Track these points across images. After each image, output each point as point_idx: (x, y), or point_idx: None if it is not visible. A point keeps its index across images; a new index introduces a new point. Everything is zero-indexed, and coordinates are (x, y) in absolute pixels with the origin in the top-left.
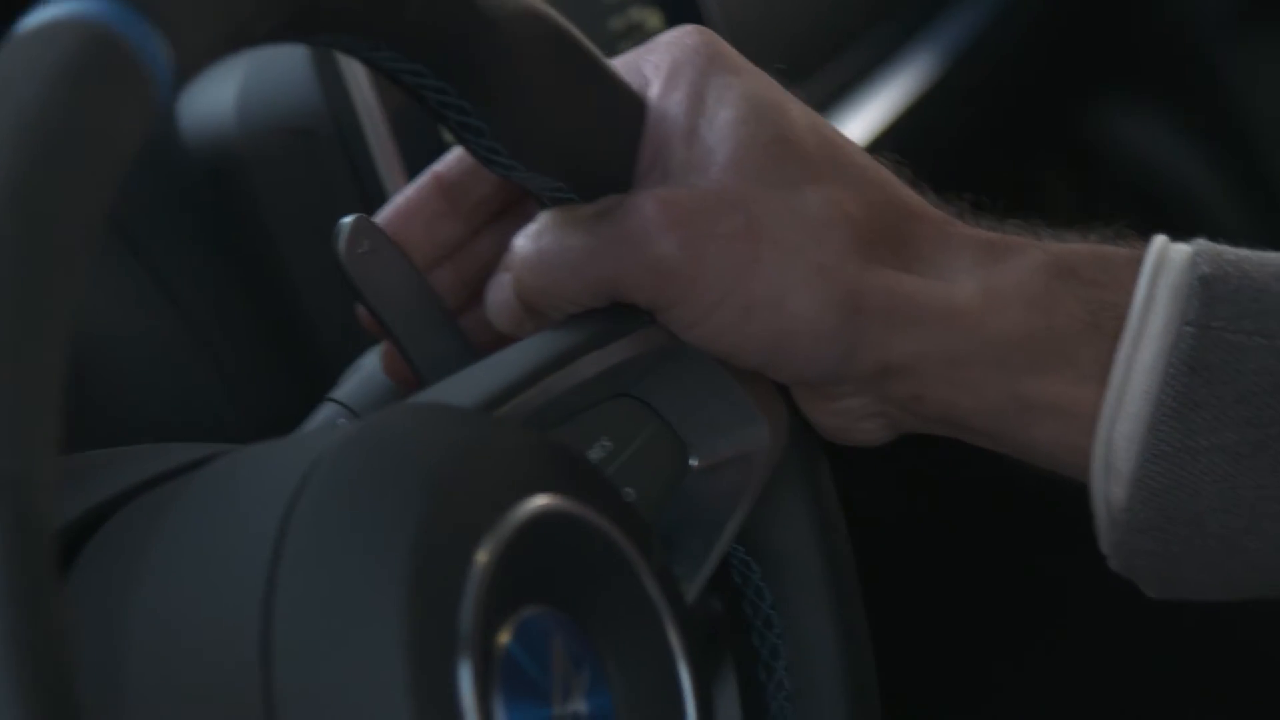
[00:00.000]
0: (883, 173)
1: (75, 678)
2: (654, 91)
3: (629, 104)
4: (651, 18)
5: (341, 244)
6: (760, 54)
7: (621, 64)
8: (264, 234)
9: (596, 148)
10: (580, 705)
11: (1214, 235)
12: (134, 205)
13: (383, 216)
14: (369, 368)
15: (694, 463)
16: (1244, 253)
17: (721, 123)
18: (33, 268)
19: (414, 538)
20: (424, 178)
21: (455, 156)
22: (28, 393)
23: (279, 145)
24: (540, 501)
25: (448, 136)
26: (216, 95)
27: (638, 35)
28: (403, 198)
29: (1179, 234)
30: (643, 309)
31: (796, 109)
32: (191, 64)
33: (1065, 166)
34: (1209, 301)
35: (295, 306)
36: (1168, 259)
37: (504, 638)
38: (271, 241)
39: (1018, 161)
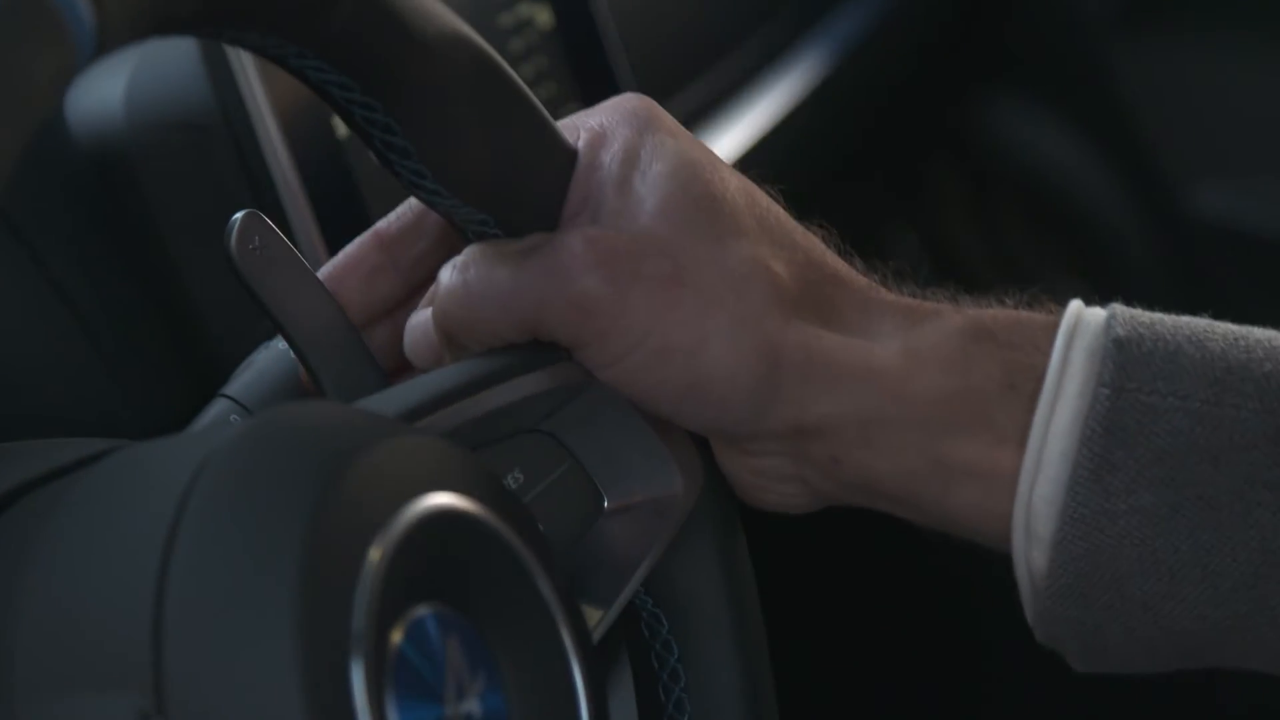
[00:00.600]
0: (809, 238)
1: None
2: (589, 142)
3: (558, 146)
4: (540, 13)
5: (232, 240)
6: (647, 55)
7: (560, 124)
8: (154, 229)
9: (523, 183)
10: (474, 705)
11: (1100, 230)
12: (21, 199)
13: (323, 271)
14: (261, 363)
15: (607, 504)
16: (1158, 316)
17: (654, 175)
18: None
19: (306, 535)
20: (364, 235)
21: (396, 214)
22: None
23: (168, 140)
24: (435, 500)
25: (339, 132)
26: (104, 89)
27: (528, 31)
28: (342, 253)
29: (1067, 231)
30: (561, 346)
31: (729, 172)
32: (113, 35)
33: (956, 162)
34: (1124, 364)
35: (187, 302)
36: (1083, 322)
37: (397, 636)
38: (162, 237)
39: (909, 158)
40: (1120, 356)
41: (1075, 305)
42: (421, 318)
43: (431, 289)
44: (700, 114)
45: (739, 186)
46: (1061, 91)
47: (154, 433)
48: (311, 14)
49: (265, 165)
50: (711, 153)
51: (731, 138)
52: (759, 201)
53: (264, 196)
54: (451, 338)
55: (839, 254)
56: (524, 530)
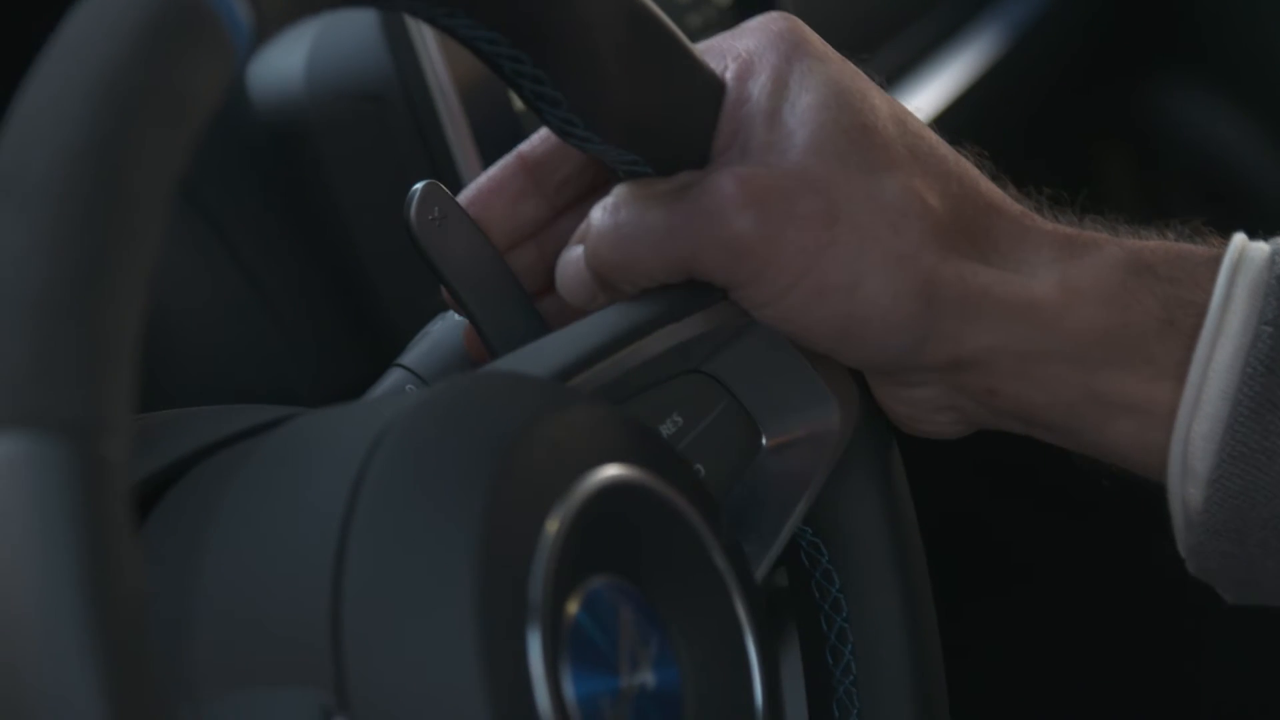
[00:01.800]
0: (964, 164)
1: (147, 634)
2: (736, 73)
3: (706, 82)
4: None
5: (412, 211)
6: (824, 29)
7: (706, 48)
8: (332, 200)
9: (672, 122)
10: (647, 676)
11: (1271, 219)
12: (203, 171)
13: (466, 194)
14: (437, 334)
15: (764, 441)
16: None
17: (804, 106)
18: (114, 223)
19: (484, 506)
20: (508, 157)
21: (540, 136)
22: (102, 342)
23: (348, 112)
24: (610, 472)
25: (518, 104)
26: (286, 61)
27: (705, 8)
28: (486, 176)
29: (1237, 217)
30: (716, 286)
31: (880, 98)
32: (269, 24)
33: (1126, 146)
34: None
35: (363, 272)
36: (1246, 257)
37: (573, 607)
38: (340, 208)
39: (1079, 140)
40: None
41: (1239, 239)
42: (574, 255)
43: (582, 227)
44: None
45: (890, 113)
46: (1236, 77)
47: (330, 401)
48: None
49: (443, 137)
50: (861, 76)
51: None
52: (910, 128)
53: (442, 168)
54: (605, 279)
55: (992, 179)
56: (698, 502)
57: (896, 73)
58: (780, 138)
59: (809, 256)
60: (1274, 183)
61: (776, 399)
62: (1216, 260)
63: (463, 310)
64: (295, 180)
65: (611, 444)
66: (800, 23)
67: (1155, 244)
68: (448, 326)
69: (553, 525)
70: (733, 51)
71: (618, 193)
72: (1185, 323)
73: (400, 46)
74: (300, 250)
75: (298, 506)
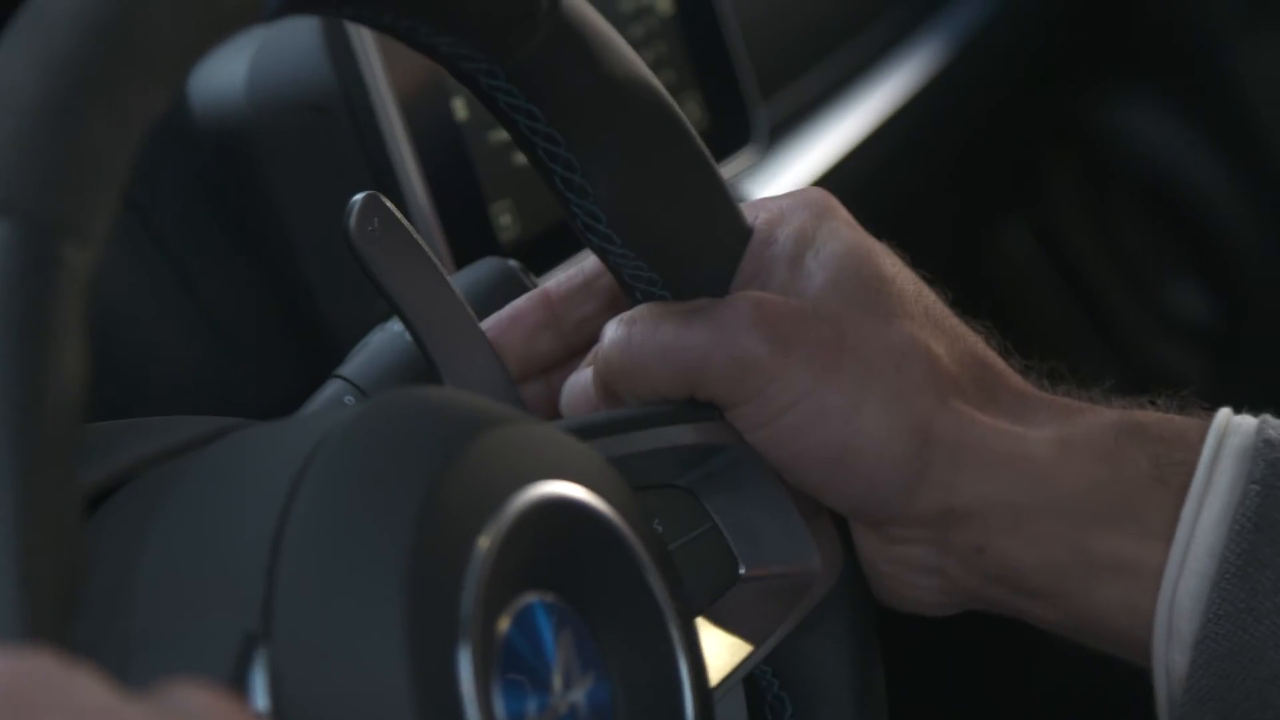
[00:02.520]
0: (970, 332)
1: (72, 433)
2: (766, 221)
3: (736, 220)
4: (661, 0)
5: (351, 221)
6: (768, 41)
7: (741, 205)
8: (274, 210)
9: (697, 249)
10: (579, 694)
11: (1219, 231)
12: (144, 179)
13: (489, 323)
14: (376, 344)
15: (742, 571)
16: None
17: (827, 254)
18: (120, 60)
19: (416, 521)
20: (534, 292)
21: (567, 275)
22: (90, 154)
23: (290, 121)
24: (544, 489)
25: (458, 115)
26: (227, 71)
27: (648, 17)
28: (510, 306)
29: (1186, 231)
30: (716, 406)
31: (901, 266)
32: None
33: (1075, 158)
34: (1274, 463)
35: (303, 282)
36: (1233, 424)
37: (504, 624)
38: (281, 217)
39: (1025, 151)
40: (1272, 455)
41: (1226, 411)
42: (583, 376)
43: (594, 350)
44: (818, 101)
45: (908, 276)
46: (1184, 89)
47: (269, 411)
48: (507, 33)
49: (384, 147)
50: (883, 246)
51: (849, 125)
52: (925, 293)
53: (383, 179)
54: (610, 389)
55: (1000, 353)
56: (636, 524)
57: (845, 79)
58: (800, 277)
59: (813, 379)
60: (1221, 190)
61: (757, 532)
62: (1206, 425)
63: (399, 315)
64: (236, 189)
65: (548, 461)
66: (830, 195)
67: (1146, 411)
68: (387, 337)
69: (484, 542)
70: (765, 206)
71: (635, 309)
72: (1175, 481)
73: (342, 56)
74: (241, 260)
75: (232, 519)
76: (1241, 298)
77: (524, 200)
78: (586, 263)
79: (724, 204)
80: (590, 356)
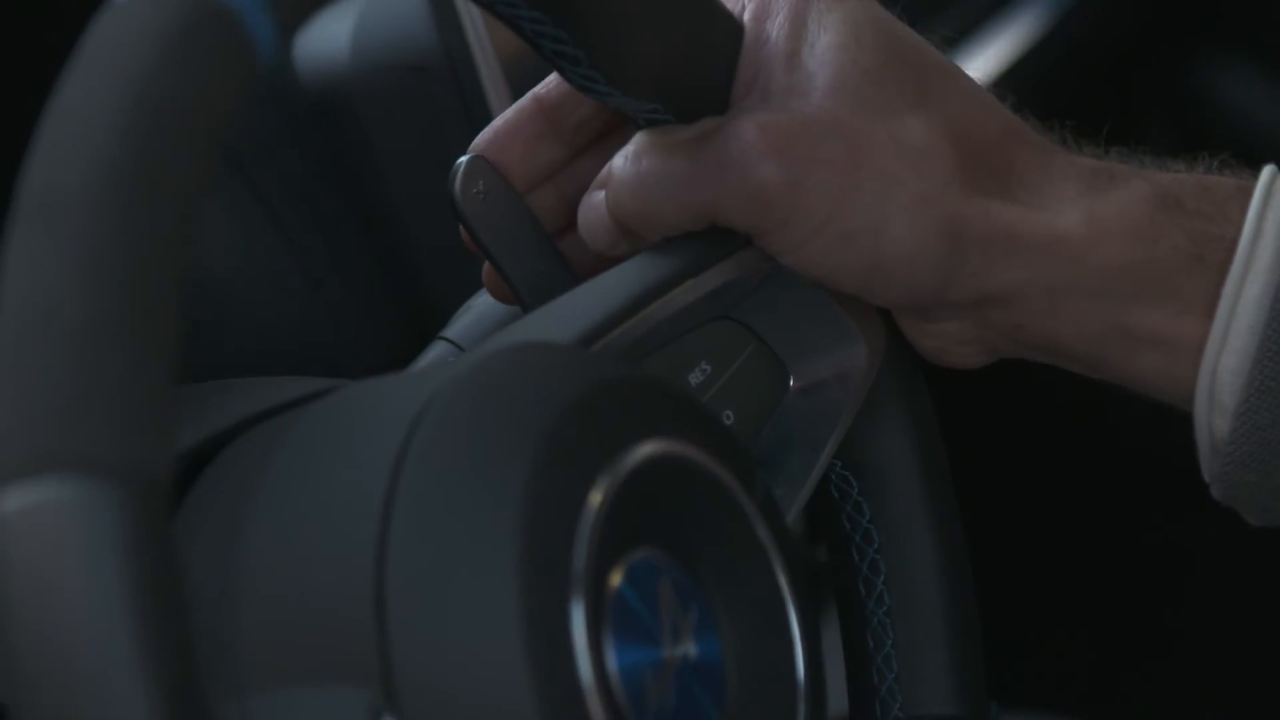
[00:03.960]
0: (987, 98)
1: (198, 671)
2: (754, 13)
3: (725, 26)
4: None
5: (456, 184)
6: None
7: None
8: (377, 172)
9: (692, 70)
10: (690, 647)
11: None
12: (249, 142)
13: (482, 138)
14: (481, 307)
15: (793, 382)
16: None
17: (823, 47)
18: (146, 246)
19: (528, 478)
20: (524, 100)
21: (555, 78)
22: (141, 373)
23: (393, 82)
24: (654, 445)
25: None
26: (331, 32)
27: None
28: (502, 119)
29: None
30: (740, 233)
31: (900, 32)
32: (292, 20)
33: (1171, 125)
34: None
35: (407, 245)
36: (1276, 190)
37: (616, 579)
38: (384, 180)
39: (1123, 119)
40: None
41: (1269, 172)
42: (596, 199)
43: (604, 171)
44: None
45: (911, 47)
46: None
47: (374, 374)
48: None
49: (488, 109)
50: (879, 10)
51: None
52: (933, 62)
53: None
54: (627, 227)
55: (1015, 113)
56: (743, 474)
57: (942, 47)
58: (800, 80)
59: (833, 202)
60: None
61: (803, 340)
62: (1246, 194)
63: (505, 280)
64: (339, 152)
65: (653, 415)
66: None
67: (1183, 177)
68: (491, 300)
69: (596, 497)
70: None
71: (639, 141)
72: (1214, 258)
73: (445, 18)
74: (345, 222)
75: (340, 483)
76: None
77: None
78: None
79: (712, 14)
80: (601, 178)
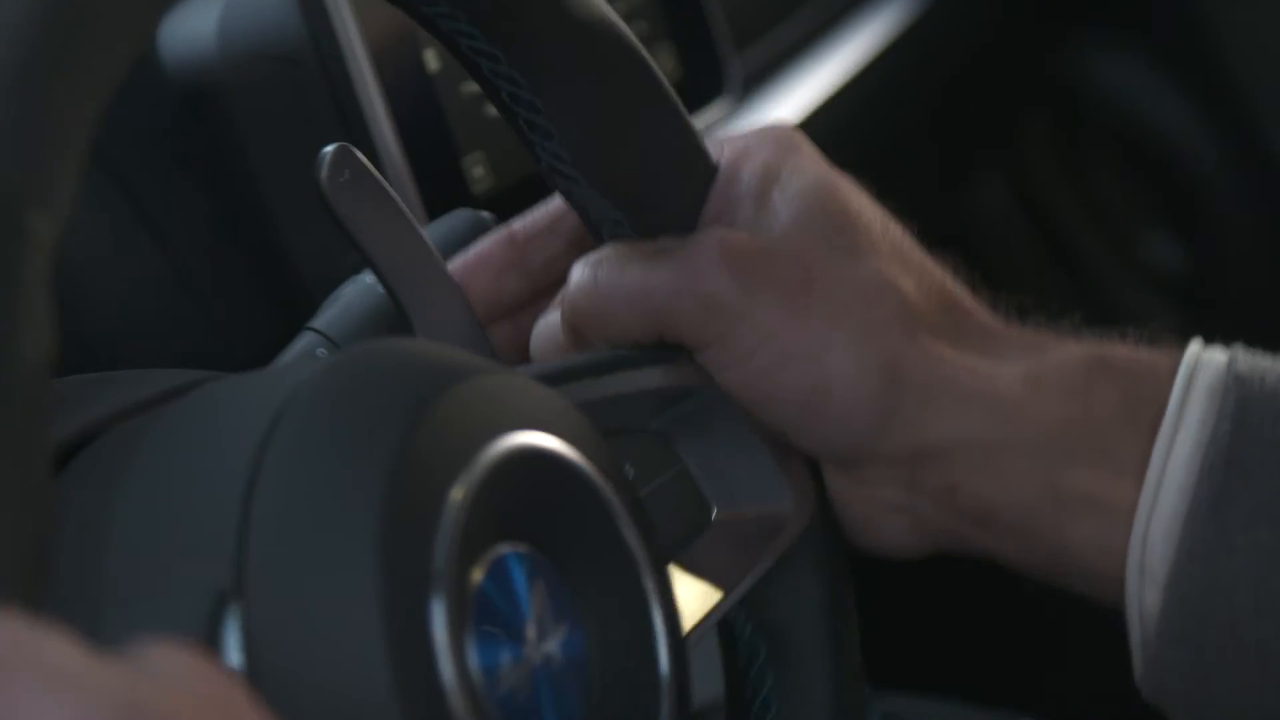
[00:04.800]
0: (939, 268)
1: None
2: (730, 159)
3: (701, 157)
4: None
5: (323, 172)
6: None
7: (706, 140)
8: (245, 162)
9: (662, 186)
10: (553, 645)
11: (1191, 180)
12: (115, 133)
13: (455, 263)
14: (349, 297)
15: (715, 514)
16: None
17: (793, 190)
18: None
19: (388, 474)
20: (499, 231)
21: (532, 216)
22: (51, 121)
23: (261, 73)
24: (518, 439)
25: (430, 67)
26: (197, 23)
27: None
28: (475, 247)
29: (1157, 180)
30: (685, 347)
31: (867, 201)
32: None
33: (1048, 109)
34: (1245, 399)
35: (276, 234)
36: (1203, 359)
37: (477, 575)
38: (252, 170)
39: (999, 101)
40: (1242, 391)
41: (1196, 345)
42: (551, 318)
43: (562, 291)
44: (791, 53)
45: (875, 212)
46: (1156, 38)
47: (242, 365)
48: None
49: (356, 99)
50: (849, 181)
51: (822, 77)
52: (893, 228)
53: (355, 131)
54: (578, 333)
55: (968, 288)
56: (609, 472)
57: (819, 30)
58: (766, 215)
59: (780, 319)
60: (1196, 146)
61: (729, 474)
62: (1176, 360)
63: (371, 267)
64: (207, 142)
65: (521, 411)
66: (798, 131)
67: (1118, 344)
68: (359, 289)
69: (458, 493)
70: (731, 142)
71: (601, 249)
72: (1145, 417)
73: (313, 8)
74: (213, 213)
75: (203, 471)
76: (1213, 246)
77: (496, 152)
78: (552, 203)
79: (689, 140)
80: (558, 299)
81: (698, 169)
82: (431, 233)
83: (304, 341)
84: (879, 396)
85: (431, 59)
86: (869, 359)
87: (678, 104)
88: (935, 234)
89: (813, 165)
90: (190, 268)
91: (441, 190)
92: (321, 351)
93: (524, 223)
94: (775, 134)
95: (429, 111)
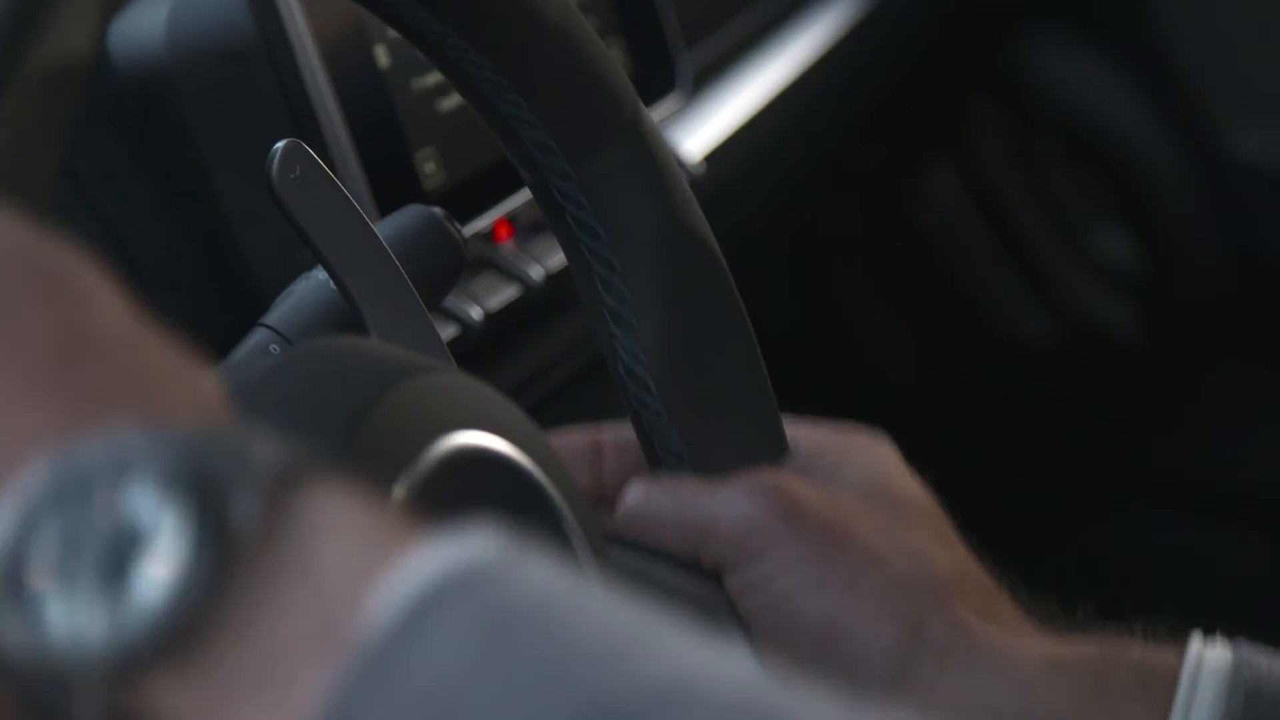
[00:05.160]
0: (974, 560)
1: None
2: (805, 454)
3: (775, 437)
4: None
5: (273, 168)
6: None
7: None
8: (196, 160)
9: (730, 449)
10: None
11: (1141, 171)
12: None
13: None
14: (301, 292)
15: None
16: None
17: (854, 474)
18: None
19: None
20: (589, 433)
21: (625, 431)
22: None
23: (211, 69)
24: (462, 439)
25: (381, 61)
26: (147, 20)
27: None
28: (564, 434)
29: (1107, 172)
30: (716, 574)
31: (928, 499)
32: (109, 4)
33: (998, 102)
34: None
35: (227, 230)
36: (1207, 660)
37: None
38: (204, 167)
39: (948, 95)
40: (1245, 697)
41: (1198, 643)
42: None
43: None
44: (742, 48)
45: (932, 508)
46: (1105, 32)
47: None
48: (590, 132)
49: (306, 95)
50: (915, 476)
51: (773, 72)
52: (943, 522)
53: (305, 127)
54: (621, 535)
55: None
56: (554, 473)
57: (769, 25)
58: (829, 479)
59: (817, 551)
60: (1145, 137)
61: None
62: (1184, 641)
63: (322, 262)
64: (158, 139)
65: (466, 411)
66: (886, 441)
67: (1129, 641)
68: (311, 285)
69: (400, 491)
70: (814, 435)
71: (655, 476)
72: (1160, 694)
73: (262, 4)
74: (164, 209)
75: None
76: (1163, 239)
77: (448, 148)
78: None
79: (767, 419)
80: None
81: (769, 451)
82: (383, 229)
83: (256, 338)
84: (896, 647)
85: (382, 55)
86: (895, 609)
87: (759, 368)
88: (886, 226)
89: (888, 457)
90: (142, 264)
91: (393, 186)
92: (274, 348)
93: (615, 434)
94: (859, 442)
95: (380, 107)
